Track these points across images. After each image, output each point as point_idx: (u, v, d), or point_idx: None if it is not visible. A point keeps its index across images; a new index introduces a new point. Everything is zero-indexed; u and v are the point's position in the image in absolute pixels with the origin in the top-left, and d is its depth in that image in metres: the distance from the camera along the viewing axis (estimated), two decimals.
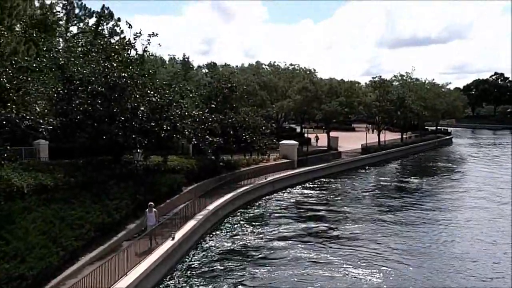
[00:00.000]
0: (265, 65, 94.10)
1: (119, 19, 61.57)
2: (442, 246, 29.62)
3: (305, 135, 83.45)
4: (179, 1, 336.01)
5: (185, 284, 22.95)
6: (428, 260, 26.80)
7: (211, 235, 30.98)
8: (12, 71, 22.94)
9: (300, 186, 49.66)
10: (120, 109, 28.73)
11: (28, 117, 21.74)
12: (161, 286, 22.48)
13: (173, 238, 24.31)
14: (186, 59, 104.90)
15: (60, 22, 52.20)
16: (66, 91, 29.25)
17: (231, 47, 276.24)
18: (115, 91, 28.98)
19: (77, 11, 62.17)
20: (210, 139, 34.49)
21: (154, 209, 24.42)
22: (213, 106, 42.60)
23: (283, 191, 46.71)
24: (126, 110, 28.98)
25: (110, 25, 61.20)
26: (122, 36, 56.03)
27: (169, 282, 23.03)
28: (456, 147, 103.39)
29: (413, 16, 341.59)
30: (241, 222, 34.68)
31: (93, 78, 29.42)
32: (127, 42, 35.71)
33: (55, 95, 28.36)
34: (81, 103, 28.00)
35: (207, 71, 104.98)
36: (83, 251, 21.62)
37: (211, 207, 32.21)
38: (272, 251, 28.10)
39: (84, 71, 30.01)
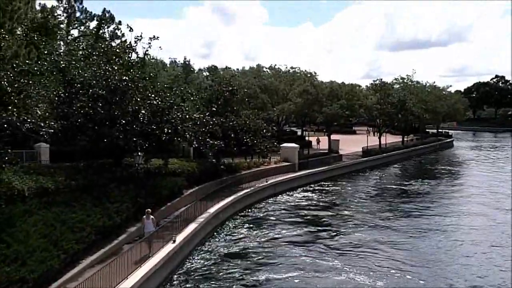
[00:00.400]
0: (265, 68, 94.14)
1: (120, 23, 61.77)
2: (443, 250, 29.62)
3: (306, 138, 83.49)
4: (180, 5, 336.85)
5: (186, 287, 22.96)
6: (430, 264, 26.80)
7: (212, 238, 30.97)
8: (13, 74, 22.98)
9: (301, 189, 49.64)
10: (121, 112, 28.74)
11: (29, 120, 21.77)
12: None
13: (174, 241, 24.27)
14: (187, 62, 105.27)
15: (61, 26, 52.28)
16: (67, 94, 29.30)
17: (231, 50, 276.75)
18: (116, 94, 29.00)
19: (78, 14, 62.34)
20: (211, 142, 34.47)
21: (151, 216, 24.14)
22: (214, 109, 42.63)
23: (284, 194, 46.68)
24: (127, 113, 28.99)
25: (111, 28, 61.36)
26: (123, 39, 56.11)
27: (170, 285, 23.02)
28: (457, 150, 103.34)
29: (413, 19, 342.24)
30: (242, 225, 34.66)
31: (94, 81, 29.44)
32: (128, 46, 35.79)
33: (56, 98, 28.40)
34: (82, 106, 28.02)
35: (208, 74, 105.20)
36: (84, 254, 21.60)
37: (212, 210, 32.19)
38: (273, 254, 28.07)
39: (85, 74, 30.05)
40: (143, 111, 29.54)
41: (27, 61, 28.74)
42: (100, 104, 28.63)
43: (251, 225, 34.65)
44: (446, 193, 48.72)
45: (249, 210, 39.42)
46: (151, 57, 62.70)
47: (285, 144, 56.30)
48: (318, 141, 78.19)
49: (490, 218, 37.54)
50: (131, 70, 32.14)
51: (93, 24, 61.00)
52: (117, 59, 32.20)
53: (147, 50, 35.36)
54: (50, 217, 21.06)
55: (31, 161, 31.30)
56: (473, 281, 24.34)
